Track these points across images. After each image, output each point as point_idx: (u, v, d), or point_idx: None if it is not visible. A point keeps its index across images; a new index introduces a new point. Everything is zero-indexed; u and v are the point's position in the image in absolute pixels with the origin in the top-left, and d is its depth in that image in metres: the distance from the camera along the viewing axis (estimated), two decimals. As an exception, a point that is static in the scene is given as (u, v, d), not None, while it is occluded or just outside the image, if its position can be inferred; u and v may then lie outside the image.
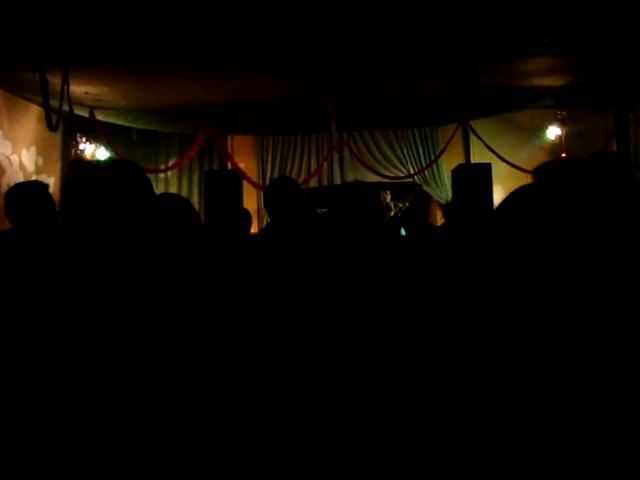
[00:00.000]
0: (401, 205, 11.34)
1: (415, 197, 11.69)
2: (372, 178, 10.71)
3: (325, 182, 11.66)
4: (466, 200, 8.49)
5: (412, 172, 11.63)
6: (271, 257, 2.71)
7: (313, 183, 11.62)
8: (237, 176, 9.91)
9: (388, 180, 11.35)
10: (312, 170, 11.66)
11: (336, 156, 11.62)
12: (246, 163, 11.79)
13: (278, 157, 11.98)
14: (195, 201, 11.51)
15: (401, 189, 11.65)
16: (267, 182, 11.52)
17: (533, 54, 7.48)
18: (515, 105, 10.22)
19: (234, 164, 11.26)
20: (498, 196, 8.64)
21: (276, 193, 3.32)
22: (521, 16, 6.19)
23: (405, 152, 11.66)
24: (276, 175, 11.82)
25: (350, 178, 11.50)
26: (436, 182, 11.70)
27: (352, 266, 2.20)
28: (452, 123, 10.90)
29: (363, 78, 8.25)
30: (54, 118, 6.79)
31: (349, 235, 2.38)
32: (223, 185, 8.98)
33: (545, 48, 7.11)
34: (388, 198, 11.19)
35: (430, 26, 6.40)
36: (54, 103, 6.75)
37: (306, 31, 6.34)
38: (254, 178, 11.51)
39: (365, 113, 10.07)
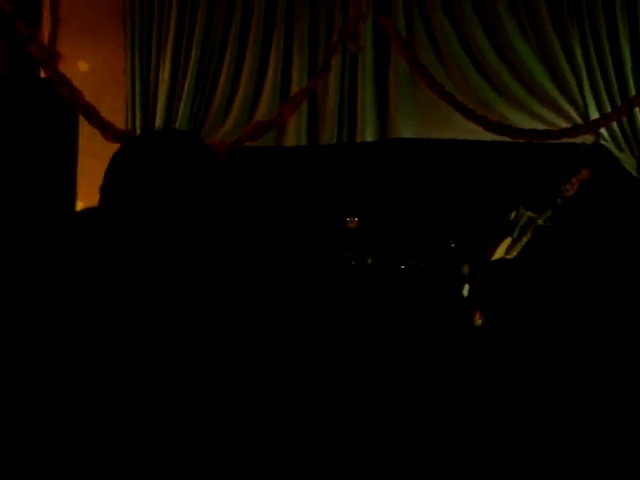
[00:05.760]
0: (543, 221, 3.76)
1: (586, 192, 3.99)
2: (466, 135, 4.28)
3: (332, 135, 4.27)
4: None
5: (592, 117, 4.04)
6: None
7: (292, 138, 4.23)
8: (55, 95, 3.92)
9: (513, 139, 4.16)
10: (294, 92, 4.16)
11: (368, 62, 4.21)
12: (96, 61, 4.16)
13: (195, 49, 4.21)
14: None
15: (556, 169, 4.04)
16: (144, 125, 4.13)
17: None
18: None
19: (50, 63, 3.77)
20: None
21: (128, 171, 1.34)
22: None
23: (579, 56, 4.11)
24: (185, 105, 4.23)
25: (406, 130, 4.13)
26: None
27: None
28: None
29: None
30: None
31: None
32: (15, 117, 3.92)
33: None
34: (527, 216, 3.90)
35: None
36: None
37: None
38: (116, 110, 3.91)
39: None
